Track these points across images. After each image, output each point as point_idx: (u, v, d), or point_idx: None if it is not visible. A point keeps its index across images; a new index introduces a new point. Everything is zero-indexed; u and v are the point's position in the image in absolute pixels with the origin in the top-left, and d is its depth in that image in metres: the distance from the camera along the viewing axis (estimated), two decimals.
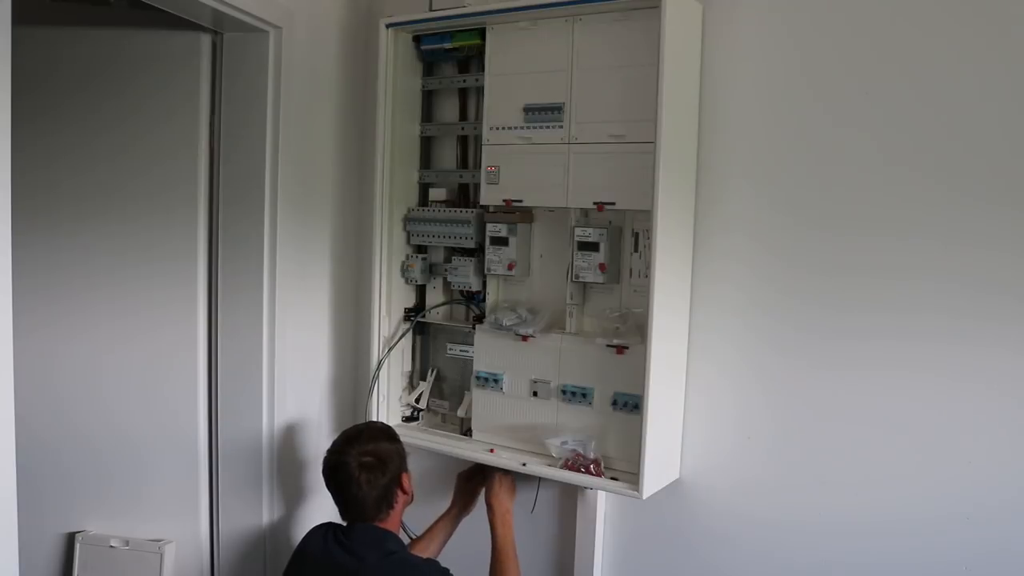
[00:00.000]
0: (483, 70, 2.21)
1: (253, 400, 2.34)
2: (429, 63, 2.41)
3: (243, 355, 2.33)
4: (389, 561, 1.87)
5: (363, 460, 1.93)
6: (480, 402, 2.28)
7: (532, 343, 2.17)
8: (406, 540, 2.16)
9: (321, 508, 2.57)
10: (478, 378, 2.27)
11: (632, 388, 2.00)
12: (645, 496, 1.94)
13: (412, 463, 2.43)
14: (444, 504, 2.29)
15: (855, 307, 1.91)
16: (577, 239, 2.08)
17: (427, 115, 2.43)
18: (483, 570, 2.06)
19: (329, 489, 2.00)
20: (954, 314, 1.81)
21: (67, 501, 2.41)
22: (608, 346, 2.05)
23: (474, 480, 2.25)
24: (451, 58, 2.36)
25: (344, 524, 2.00)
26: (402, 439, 2.33)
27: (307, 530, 2.09)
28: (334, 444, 2.02)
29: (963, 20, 1.77)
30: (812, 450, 1.98)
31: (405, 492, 2.00)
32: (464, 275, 2.31)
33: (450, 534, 2.25)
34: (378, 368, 2.35)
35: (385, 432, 2.06)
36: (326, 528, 2.03)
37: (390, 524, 1.97)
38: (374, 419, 2.32)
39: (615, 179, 2.00)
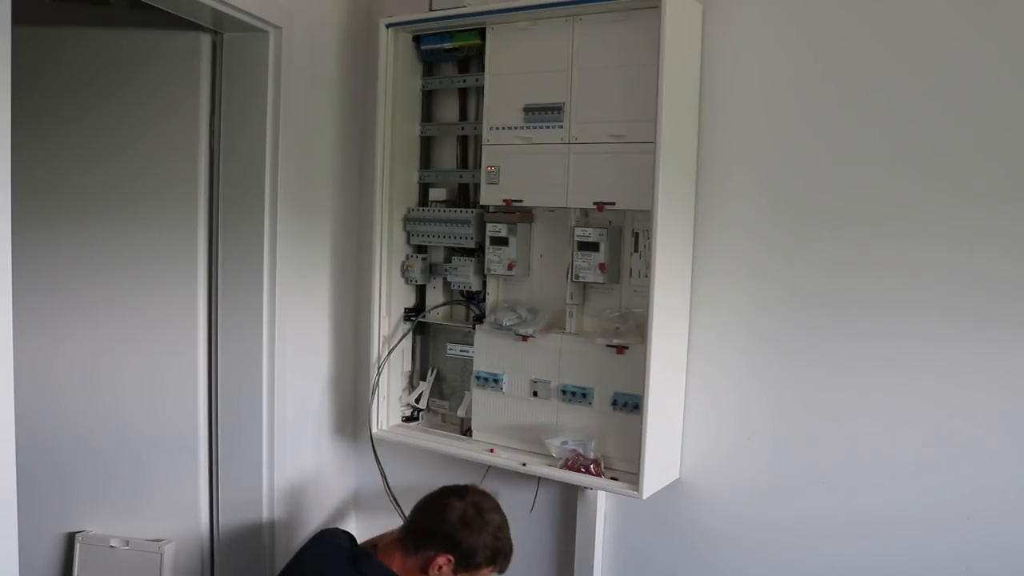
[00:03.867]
0: (483, 70, 2.21)
1: (253, 400, 2.33)
2: (429, 63, 2.41)
3: (243, 355, 2.33)
4: None
5: (469, 510, 1.82)
6: (480, 402, 2.28)
7: (532, 343, 2.17)
8: None
9: (321, 507, 2.57)
10: (478, 378, 2.27)
11: (632, 388, 2.00)
12: (645, 496, 1.94)
13: (412, 463, 2.44)
14: None
15: (855, 307, 1.91)
16: (577, 239, 2.08)
17: (427, 115, 2.43)
18: None
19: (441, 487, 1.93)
20: (954, 314, 1.80)
21: (67, 501, 2.41)
22: (608, 346, 2.05)
23: None
24: (451, 58, 2.35)
25: (361, 548, 1.89)
26: (402, 439, 2.35)
27: (307, 529, 2.05)
28: (485, 494, 1.93)
29: (966, 18, 1.77)
30: (812, 450, 1.98)
31: (426, 569, 1.82)
32: (464, 275, 2.31)
33: None
34: (378, 374, 2.36)
35: (502, 543, 1.86)
36: (337, 548, 1.88)
37: (407, 570, 1.83)
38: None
39: (615, 179, 2.00)
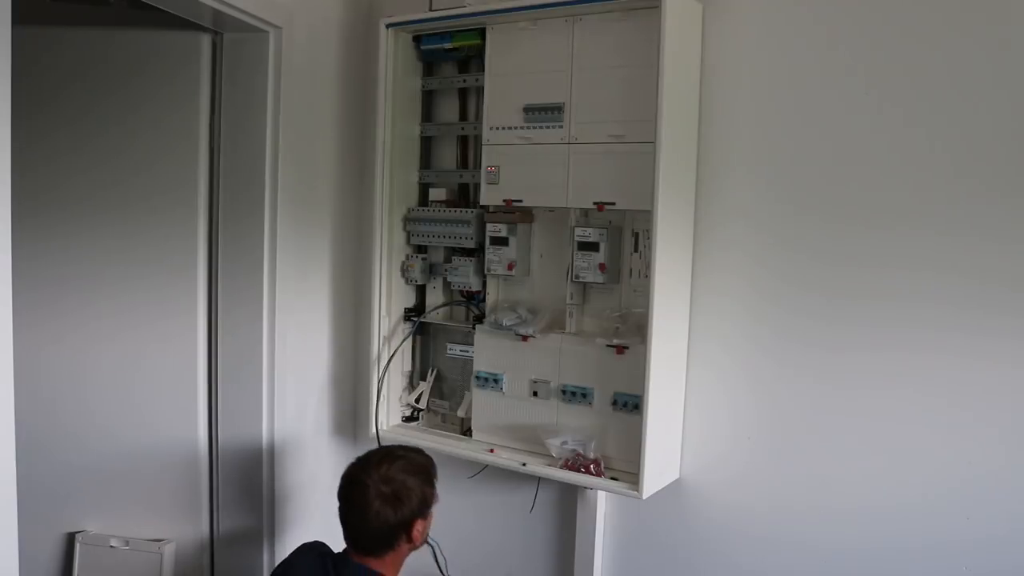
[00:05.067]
0: (483, 70, 2.21)
1: (253, 400, 2.33)
2: (429, 63, 2.41)
3: (243, 356, 2.33)
4: None
5: (382, 488, 1.74)
6: (480, 402, 2.28)
7: (532, 343, 2.17)
8: None
9: (319, 509, 2.57)
10: (478, 378, 2.27)
11: (632, 388, 2.00)
12: (645, 496, 1.94)
13: None
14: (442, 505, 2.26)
15: (855, 304, 1.91)
16: (577, 239, 2.08)
17: (427, 115, 2.44)
18: None
19: (339, 500, 1.83)
20: (947, 325, 1.81)
21: (67, 501, 2.41)
22: (608, 346, 2.05)
23: None
24: (451, 58, 2.35)
25: (338, 554, 1.84)
26: (402, 439, 2.34)
27: (307, 529, 2.06)
28: (362, 458, 1.85)
29: (963, 17, 1.77)
30: (812, 452, 1.98)
31: (411, 540, 1.79)
32: (464, 275, 2.31)
33: None
34: (381, 379, 2.36)
35: (422, 468, 1.83)
36: (319, 556, 1.85)
37: (386, 565, 1.79)
38: (405, 445, 2.01)
39: (615, 179, 2.00)
